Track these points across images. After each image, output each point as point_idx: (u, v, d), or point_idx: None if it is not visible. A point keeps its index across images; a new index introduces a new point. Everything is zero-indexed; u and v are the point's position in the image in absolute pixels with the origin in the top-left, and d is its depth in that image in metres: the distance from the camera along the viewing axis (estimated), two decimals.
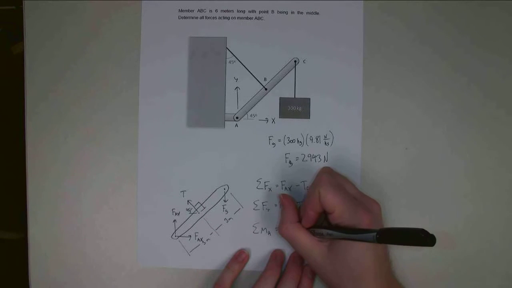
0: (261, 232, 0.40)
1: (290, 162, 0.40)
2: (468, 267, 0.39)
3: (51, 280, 0.41)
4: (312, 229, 0.36)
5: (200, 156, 0.41)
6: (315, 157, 0.40)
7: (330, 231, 0.34)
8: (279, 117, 0.40)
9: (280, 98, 0.40)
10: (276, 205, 0.40)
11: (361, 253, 0.32)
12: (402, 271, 0.39)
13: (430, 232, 0.27)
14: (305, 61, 0.40)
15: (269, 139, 0.40)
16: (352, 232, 0.32)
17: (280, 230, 0.37)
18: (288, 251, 0.40)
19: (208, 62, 0.41)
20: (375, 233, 0.30)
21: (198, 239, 0.41)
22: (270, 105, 0.40)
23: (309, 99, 0.40)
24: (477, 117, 0.39)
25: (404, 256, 0.39)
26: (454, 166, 0.39)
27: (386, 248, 0.36)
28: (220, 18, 0.41)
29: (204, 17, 0.41)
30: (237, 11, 0.41)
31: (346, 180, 0.37)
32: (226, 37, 0.41)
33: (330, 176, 0.35)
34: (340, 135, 0.40)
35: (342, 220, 0.33)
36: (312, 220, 0.36)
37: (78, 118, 0.41)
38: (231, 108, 0.41)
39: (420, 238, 0.27)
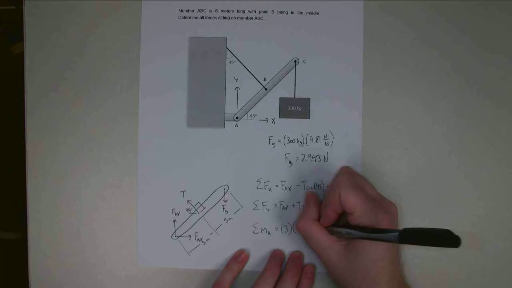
0: (261, 232, 0.40)
1: (290, 162, 0.40)
2: (468, 268, 0.39)
3: (51, 280, 0.41)
4: (330, 228, 0.36)
5: (200, 156, 0.41)
6: (315, 157, 0.40)
7: (349, 230, 0.34)
8: (279, 117, 0.40)
9: (280, 98, 0.40)
10: (276, 205, 0.40)
11: (379, 254, 0.33)
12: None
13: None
14: (305, 61, 0.40)
15: (269, 139, 0.40)
16: (373, 232, 0.32)
17: (298, 224, 0.37)
18: (288, 251, 0.40)
19: (208, 62, 0.41)
20: (396, 233, 0.30)
21: (198, 239, 0.41)
22: (270, 105, 0.40)
23: (309, 99, 0.40)
24: (477, 117, 0.39)
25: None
26: (454, 166, 0.39)
27: (399, 251, 0.36)
28: (220, 18, 0.41)
29: (204, 17, 0.41)
30: (237, 11, 0.41)
31: (365, 181, 0.37)
32: (226, 37, 0.41)
33: (350, 177, 0.35)
34: (340, 135, 0.40)
35: (361, 221, 0.33)
36: (331, 220, 0.36)
37: (78, 118, 0.41)
38: (231, 108, 0.40)
39: (446, 239, 0.27)
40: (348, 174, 0.36)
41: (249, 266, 0.40)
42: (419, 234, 0.29)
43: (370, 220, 0.33)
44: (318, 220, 0.37)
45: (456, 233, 0.27)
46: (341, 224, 0.36)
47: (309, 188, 0.40)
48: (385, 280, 0.33)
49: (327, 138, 0.40)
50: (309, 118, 0.40)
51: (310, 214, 0.37)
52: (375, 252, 0.33)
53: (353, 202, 0.33)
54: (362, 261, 0.33)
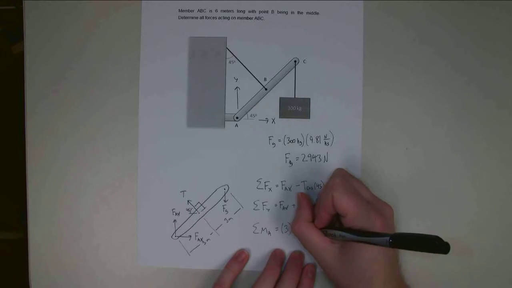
0: (261, 232, 0.40)
1: (290, 162, 0.40)
2: (468, 269, 0.39)
3: (51, 280, 0.41)
4: (324, 230, 0.36)
5: (200, 156, 0.41)
6: (315, 157, 0.40)
7: (342, 233, 0.34)
8: (279, 117, 0.40)
9: (280, 98, 0.40)
10: (276, 205, 0.40)
11: (373, 256, 0.33)
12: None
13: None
14: (305, 61, 0.40)
15: (269, 139, 0.40)
16: (365, 235, 0.32)
17: (293, 227, 0.37)
18: (288, 250, 0.40)
19: (208, 62, 0.41)
20: (388, 238, 0.30)
21: (198, 239, 0.41)
22: (270, 105, 0.40)
23: (309, 99, 0.40)
24: (477, 117, 0.39)
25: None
26: (454, 166, 0.39)
27: (397, 251, 0.36)
28: (220, 18, 0.41)
29: (204, 17, 0.41)
30: (237, 11, 0.41)
31: (360, 183, 0.37)
32: (226, 37, 0.41)
33: (344, 180, 0.35)
34: (340, 135, 0.40)
35: (355, 223, 0.33)
36: (324, 221, 0.36)
37: (78, 118, 0.41)
38: (231, 108, 0.41)
39: (435, 245, 0.27)
40: (342, 177, 0.36)
41: (249, 266, 0.40)
42: (409, 239, 0.30)
43: (364, 223, 0.33)
44: (312, 221, 0.37)
45: (445, 240, 0.27)
46: (336, 225, 0.36)
47: (309, 188, 0.40)
48: (381, 281, 0.33)
49: (327, 138, 0.40)
50: (309, 118, 0.40)
51: (304, 216, 0.37)
52: (369, 254, 0.33)
53: (346, 205, 0.33)
54: (357, 263, 0.33)
